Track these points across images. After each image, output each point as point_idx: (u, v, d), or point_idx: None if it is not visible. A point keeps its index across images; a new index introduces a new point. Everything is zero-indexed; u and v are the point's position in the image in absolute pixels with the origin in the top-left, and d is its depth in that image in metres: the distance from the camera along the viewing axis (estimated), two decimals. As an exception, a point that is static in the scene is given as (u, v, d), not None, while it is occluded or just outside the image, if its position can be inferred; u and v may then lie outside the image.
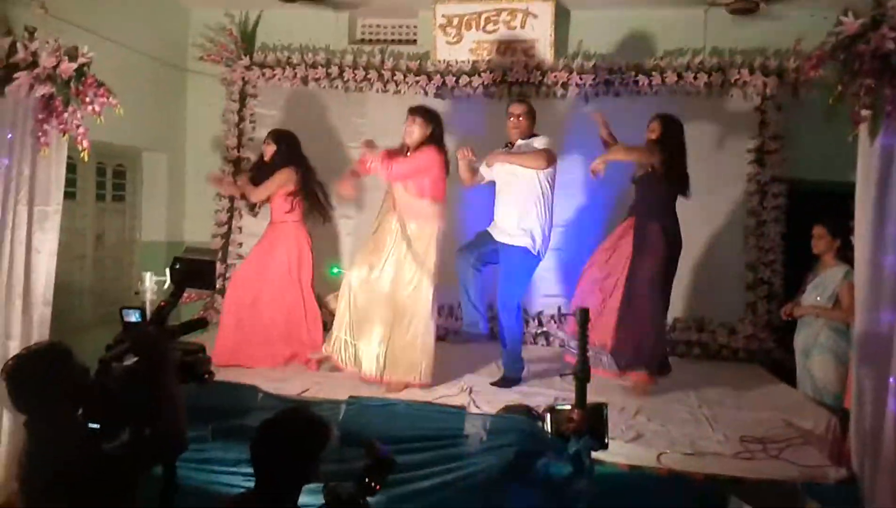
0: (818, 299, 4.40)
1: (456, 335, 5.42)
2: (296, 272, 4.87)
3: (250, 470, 2.22)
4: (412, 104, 5.55)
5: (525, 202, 4.48)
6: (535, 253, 4.51)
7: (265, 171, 4.92)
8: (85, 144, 3.62)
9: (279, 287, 4.83)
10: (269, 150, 4.92)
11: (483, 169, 4.72)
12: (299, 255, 4.89)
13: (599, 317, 4.26)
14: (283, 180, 4.84)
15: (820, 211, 4.66)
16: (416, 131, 4.33)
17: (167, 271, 4.09)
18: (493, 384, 4.44)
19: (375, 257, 4.37)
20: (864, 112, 3.03)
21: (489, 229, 4.63)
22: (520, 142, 4.59)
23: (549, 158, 4.46)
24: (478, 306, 4.62)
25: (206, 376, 2.52)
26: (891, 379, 3.13)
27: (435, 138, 4.38)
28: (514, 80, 5.67)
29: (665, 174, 4.41)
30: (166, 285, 4.15)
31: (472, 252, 4.58)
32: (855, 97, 3.03)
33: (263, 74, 6.02)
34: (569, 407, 3.20)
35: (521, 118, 4.59)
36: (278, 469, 2.13)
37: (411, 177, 4.34)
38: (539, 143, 4.53)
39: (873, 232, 3.14)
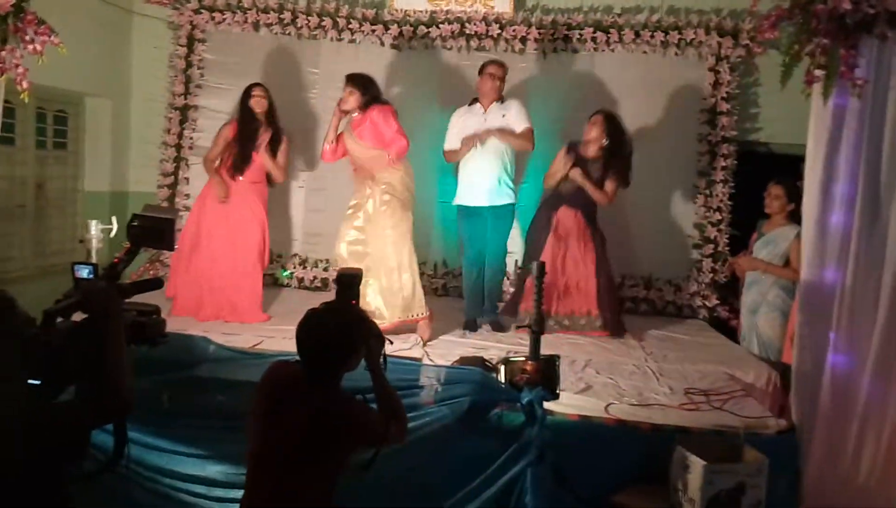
0: (768, 256, 4.46)
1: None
2: (260, 238, 4.82)
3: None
4: (367, 57, 5.55)
5: (502, 160, 4.72)
6: (514, 204, 4.84)
7: (253, 128, 4.81)
8: (25, 84, 3.46)
9: (244, 252, 4.75)
10: (263, 103, 4.82)
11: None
12: (264, 219, 4.86)
13: (578, 290, 4.73)
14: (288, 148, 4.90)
15: (767, 173, 4.75)
16: (352, 101, 4.44)
17: (113, 220, 4.03)
18: (493, 328, 4.73)
19: (356, 219, 4.50)
20: (818, 72, 3.08)
21: (468, 202, 4.77)
22: (494, 105, 4.71)
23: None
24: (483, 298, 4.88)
25: (160, 338, 2.46)
26: (831, 334, 3.26)
27: (375, 99, 4.50)
28: (473, 32, 5.59)
29: (605, 176, 4.72)
30: (112, 234, 4.06)
31: (483, 249, 4.80)
32: (810, 57, 3.08)
33: (213, 18, 5.80)
34: (522, 359, 3.26)
35: (500, 81, 4.72)
36: (315, 358, 2.25)
37: (388, 141, 4.42)
38: (519, 114, 4.71)
39: (821, 191, 3.22)
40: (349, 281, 2.63)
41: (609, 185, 4.70)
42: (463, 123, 4.80)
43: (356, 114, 4.49)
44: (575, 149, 4.78)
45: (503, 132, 4.68)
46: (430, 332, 4.40)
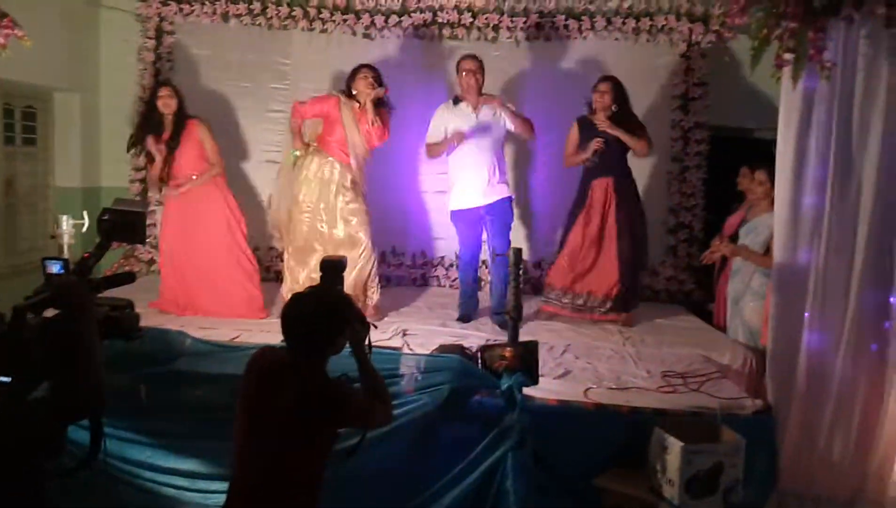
0: (751, 244, 4.34)
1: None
2: (235, 226, 4.73)
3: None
4: (339, 47, 5.50)
5: (494, 157, 4.67)
6: (511, 198, 4.81)
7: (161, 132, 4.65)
8: (-10, 79, 3.39)
9: (218, 244, 4.66)
10: (173, 104, 4.64)
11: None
12: (234, 207, 4.77)
13: (596, 270, 4.72)
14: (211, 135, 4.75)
15: (740, 157, 4.80)
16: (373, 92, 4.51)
17: (84, 215, 3.97)
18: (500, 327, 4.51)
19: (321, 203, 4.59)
20: (787, 56, 3.11)
21: (462, 206, 4.72)
22: (484, 107, 4.64)
23: None
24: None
25: (134, 332, 2.44)
26: (805, 314, 3.31)
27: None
28: (445, 21, 5.57)
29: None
30: (84, 229, 4.01)
31: (477, 249, 4.84)
32: (779, 41, 3.10)
33: (181, 10, 5.72)
34: (501, 346, 3.27)
35: (480, 74, 4.65)
36: (301, 338, 2.27)
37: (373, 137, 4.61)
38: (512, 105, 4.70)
39: (793, 173, 3.26)
40: (333, 266, 2.67)
41: (641, 137, 4.66)
42: (448, 122, 4.69)
43: (357, 105, 4.54)
44: (585, 121, 4.74)
45: (513, 113, 4.64)
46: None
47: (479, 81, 4.64)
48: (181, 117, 4.66)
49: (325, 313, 2.29)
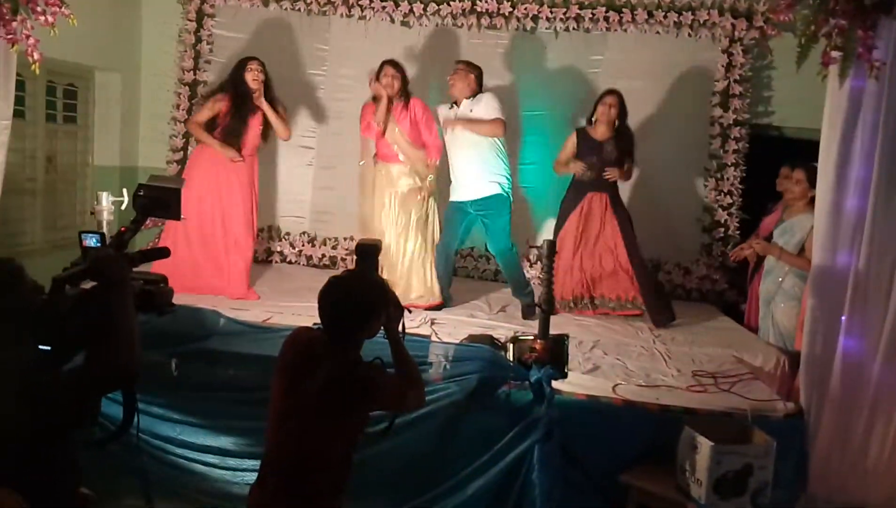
0: (785, 244, 4.26)
1: None
2: (249, 213, 4.75)
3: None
4: (377, 34, 5.50)
5: (486, 155, 4.65)
6: (507, 195, 4.72)
7: (247, 105, 4.66)
8: (36, 56, 3.43)
9: (232, 226, 4.68)
10: (260, 77, 4.66)
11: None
12: (252, 194, 4.80)
13: (618, 274, 4.75)
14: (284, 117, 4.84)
15: (779, 156, 4.72)
16: (396, 86, 4.64)
17: (124, 192, 4.02)
18: (524, 317, 4.61)
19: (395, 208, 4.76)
20: (835, 53, 3.04)
21: (455, 198, 4.76)
22: (466, 101, 4.68)
23: (505, 125, 4.67)
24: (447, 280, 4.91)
25: (167, 307, 2.47)
26: (842, 318, 3.25)
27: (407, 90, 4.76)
28: (484, 9, 5.54)
29: (620, 155, 4.73)
30: (123, 207, 4.06)
31: (453, 243, 4.84)
32: (826, 38, 3.04)
33: (223, -7, 5.78)
34: (531, 338, 3.26)
35: (472, 78, 4.69)
36: (336, 322, 2.28)
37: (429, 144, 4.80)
38: (490, 106, 4.64)
39: (836, 174, 3.19)
40: (368, 250, 2.68)
41: (628, 165, 4.78)
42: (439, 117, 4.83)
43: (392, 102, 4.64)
44: (584, 134, 4.76)
45: (468, 121, 4.62)
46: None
47: (473, 83, 4.70)
48: (269, 92, 4.73)
49: (359, 297, 2.30)
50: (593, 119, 4.73)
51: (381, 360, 2.37)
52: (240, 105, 4.64)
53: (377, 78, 4.64)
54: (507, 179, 4.73)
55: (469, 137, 4.65)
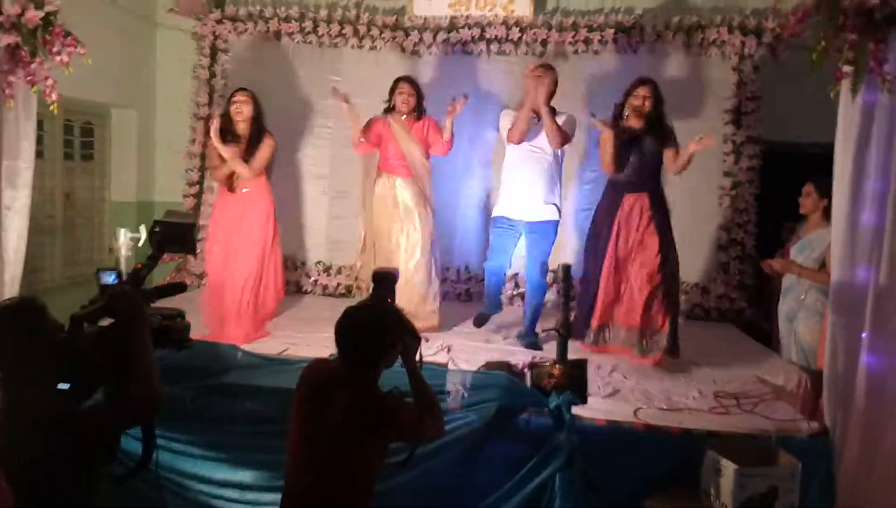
0: (804, 261, 4.20)
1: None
2: (269, 246, 4.62)
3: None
4: (388, 63, 5.55)
5: (553, 175, 4.48)
6: (559, 220, 4.57)
7: (232, 132, 4.49)
8: (54, 96, 3.50)
9: (254, 262, 4.52)
10: (247, 110, 4.52)
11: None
12: (274, 226, 4.64)
13: (634, 298, 4.18)
14: (271, 152, 4.60)
15: (793, 172, 4.68)
16: (412, 102, 4.73)
17: (141, 229, 4.06)
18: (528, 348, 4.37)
19: (394, 224, 4.77)
20: (847, 68, 3.03)
21: (504, 213, 4.54)
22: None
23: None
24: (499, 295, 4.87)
25: (184, 342, 2.48)
26: (864, 334, 3.20)
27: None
28: (493, 36, 5.59)
29: (657, 139, 4.28)
30: (140, 243, 4.09)
31: (506, 265, 4.73)
32: (837, 53, 3.03)
33: (235, 28, 5.86)
34: (549, 364, 3.24)
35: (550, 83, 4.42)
36: (353, 352, 2.30)
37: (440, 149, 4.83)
38: (561, 118, 4.42)
39: (851, 188, 3.16)
40: (385, 279, 2.71)
41: (676, 149, 4.30)
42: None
43: (404, 117, 4.74)
44: (617, 124, 4.32)
45: (558, 127, 4.34)
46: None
47: (547, 88, 4.39)
48: (258, 129, 4.56)
49: (376, 327, 2.31)
50: (625, 114, 4.32)
51: (399, 390, 2.36)
52: (226, 137, 4.47)
53: (392, 93, 4.77)
54: (561, 202, 4.58)
55: (538, 155, 4.43)
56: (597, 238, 4.38)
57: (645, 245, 4.22)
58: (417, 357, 2.46)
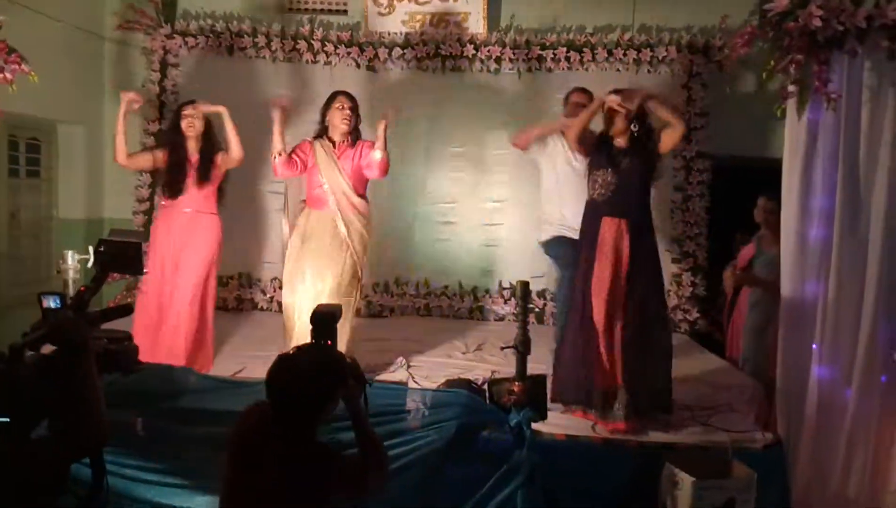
0: (770, 277, 4.07)
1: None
2: (211, 277, 4.29)
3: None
4: (344, 78, 5.51)
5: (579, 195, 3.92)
6: None
7: (183, 155, 4.26)
8: (-3, 113, 3.41)
9: (194, 292, 4.19)
10: (199, 125, 4.29)
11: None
12: (218, 253, 4.33)
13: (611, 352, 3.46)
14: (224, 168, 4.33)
15: (741, 186, 4.78)
16: (354, 119, 4.12)
17: (90, 249, 3.95)
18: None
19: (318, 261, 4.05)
20: (792, 87, 3.12)
21: (567, 235, 4.12)
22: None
23: None
24: None
25: (133, 366, 2.41)
26: (814, 346, 3.28)
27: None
28: (448, 53, 5.61)
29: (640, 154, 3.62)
30: (89, 264, 3.97)
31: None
32: (783, 73, 3.12)
33: (186, 43, 5.77)
34: (509, 380, 3.24)
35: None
36: (289, 406, 2.09)
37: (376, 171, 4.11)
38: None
39: (799, 204, 3.26)
40: (325, 319, 2.41)
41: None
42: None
43: (337, 138, 4.11)
44: (602, 140, 3.72)
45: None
46: None
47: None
48: (210, 148, 4.31)
49: (312, 381, 2.10)
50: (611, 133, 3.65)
51: (339, 441, 2.25)
52: (174, 160, 4.25)
53: (328, 108, 4.15)
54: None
55: (568, 174, 4.24)
56: (581, 270, 3.65)
57: (621, 288, 3.52)
58: (362, 401, 2.25)
